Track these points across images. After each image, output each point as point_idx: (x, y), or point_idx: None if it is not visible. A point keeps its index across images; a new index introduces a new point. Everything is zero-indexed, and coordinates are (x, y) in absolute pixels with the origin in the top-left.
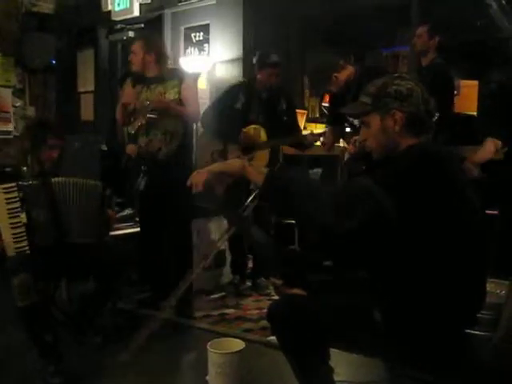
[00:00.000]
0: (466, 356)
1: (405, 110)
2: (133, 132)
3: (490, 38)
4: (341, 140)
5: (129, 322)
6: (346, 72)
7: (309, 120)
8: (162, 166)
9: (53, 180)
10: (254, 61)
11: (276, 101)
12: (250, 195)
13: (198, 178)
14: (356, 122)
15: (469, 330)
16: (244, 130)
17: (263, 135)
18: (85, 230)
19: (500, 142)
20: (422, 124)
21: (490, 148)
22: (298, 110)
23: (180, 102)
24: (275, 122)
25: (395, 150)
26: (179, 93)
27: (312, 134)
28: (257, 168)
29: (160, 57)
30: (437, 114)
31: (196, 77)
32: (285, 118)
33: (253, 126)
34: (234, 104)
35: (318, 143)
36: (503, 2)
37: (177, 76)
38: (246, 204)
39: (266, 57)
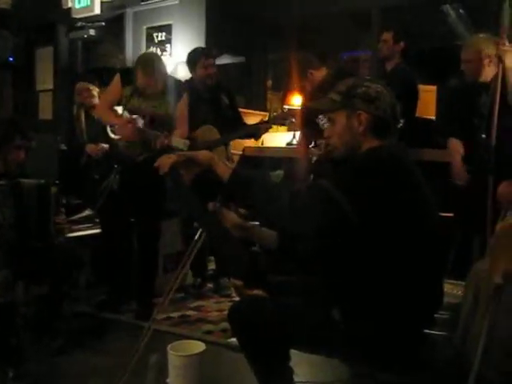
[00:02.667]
0: (424, 355)
1: (371, 112)
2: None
3: (448, 44)
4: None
5: (89, 325)
6: (322, 71)
7: None
8: (136, 169)
9: (21, 181)
10: (186, 61)
11: (218, 98)
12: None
13: (165, 161)
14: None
15: (427, 330)
16: (195, 132)
17: (216, 134)
18: (38, 232)
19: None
20: (387, 128)
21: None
22: (260, 112)
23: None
24: (221, 119)
25: (357, 150)
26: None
27: (262, 121)
28: (225, 162)
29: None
30: (402, 120)
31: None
32: (230, 113)
33: (205, 126)
34: None
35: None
36: (460, 10)
37: (174, 90)
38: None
39: (196, 51)
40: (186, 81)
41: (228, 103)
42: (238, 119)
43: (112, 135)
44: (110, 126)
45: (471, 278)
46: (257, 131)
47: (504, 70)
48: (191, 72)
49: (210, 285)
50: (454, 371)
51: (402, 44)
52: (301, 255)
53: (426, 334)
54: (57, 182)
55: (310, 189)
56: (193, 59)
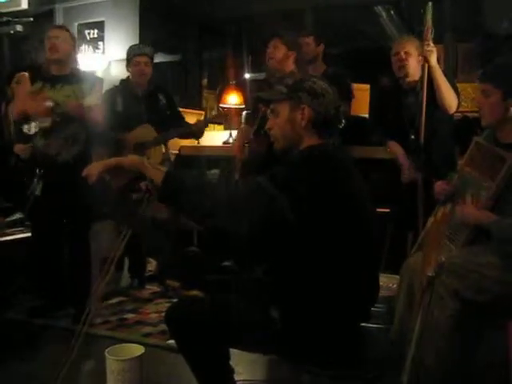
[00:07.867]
0: (360, 348)
1: (314, 108)
2: (30, 132)
3: (380, 44)
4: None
5: (21, 332)
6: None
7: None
8: (60, 171)
9: None
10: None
11: (154, 97)
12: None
13: (93, 170)
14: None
15: (363, 323)
16: (131, 132)
17: (153, 133)
18: None
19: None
20: (328, 126)
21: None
22: (195, 111)
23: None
24: (159, 118)
25: (297, 145)
26: (87, 97)
27: (199, 120)
28: (155, 165)
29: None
30: (344, 121)
31: (101, 82)
32: (168, 113)
33: (142, 126)
34: (113, 108)
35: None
36: (392, 12)
37: (87, 80)
38: (136, 199)
39: (134, 48)
40: (122, 80)
41: (165, 102)
42: (178, 118)
43: (28, 132)
44: (26, 124)
45: (404, 272)
46: (197, 130)
47: (430, 69)
48: (127, 70)
49: (148, 286)
50: (390, 362)
51: (322, 46)
52: (239, 252)
53: (362, 328)
54: None
55: (246, 185)
56: (127, 56)
